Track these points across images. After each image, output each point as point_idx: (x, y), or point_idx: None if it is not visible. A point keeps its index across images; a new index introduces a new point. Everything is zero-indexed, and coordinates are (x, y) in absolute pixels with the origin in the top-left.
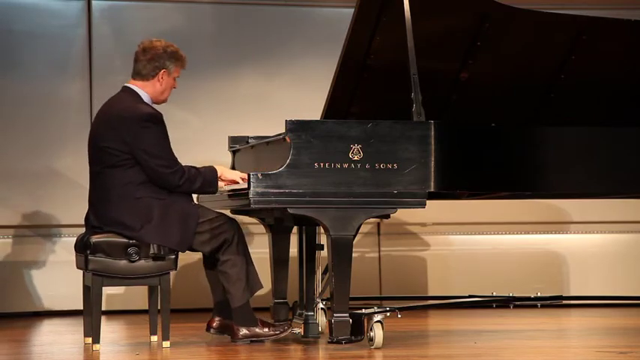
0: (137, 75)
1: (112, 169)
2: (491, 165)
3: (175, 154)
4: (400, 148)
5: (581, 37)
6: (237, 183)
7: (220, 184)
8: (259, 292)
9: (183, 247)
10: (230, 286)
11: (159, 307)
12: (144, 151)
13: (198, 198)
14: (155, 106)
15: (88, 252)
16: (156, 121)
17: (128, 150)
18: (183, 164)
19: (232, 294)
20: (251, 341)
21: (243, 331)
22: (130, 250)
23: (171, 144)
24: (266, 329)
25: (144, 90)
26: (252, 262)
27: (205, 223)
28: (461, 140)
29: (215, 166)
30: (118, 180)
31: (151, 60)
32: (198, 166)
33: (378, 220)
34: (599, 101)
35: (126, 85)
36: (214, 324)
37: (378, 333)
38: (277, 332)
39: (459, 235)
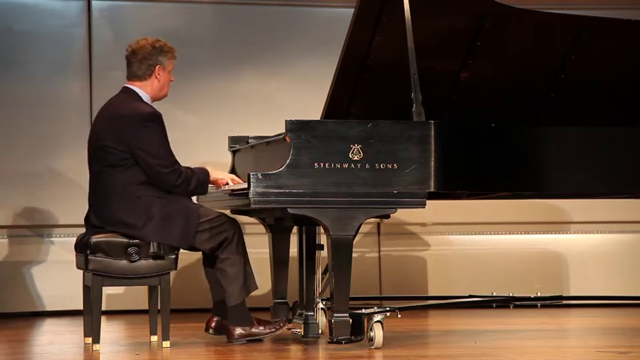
0: (134, 77)
1: (111, 169)
2: (492, 165)
3: (175, 155)
4: (400, 148)
5: (581, 37)
6: (227, 184)
7: (216, 175)
8: (259, 292)
9: (184, 243)
10: (227, 285)
11: (159, 307)
12: (142, 149)
13: (197, 198)
14: (154, 105)
15: (88, 252)
16: (156, 121)
17: (127, 149)
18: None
19: (229, 292)
20: (247, 340)
21: (239, 330)
22: (130, 250)
23: (172, 144)
24: (261, 327)
25: (143, 90)
26: (249, 263)
27: (206, 222)
28: (461, 140)
29: (205, 167)
30: (118, 180)
31: (143, 60)
32: (193, 166)
33: (378, 220)
34: (600, 101)
35: (125, 85)
36: (212, 324)
37: (378, 333)
38: (273, 329)
39: (459, 235)
